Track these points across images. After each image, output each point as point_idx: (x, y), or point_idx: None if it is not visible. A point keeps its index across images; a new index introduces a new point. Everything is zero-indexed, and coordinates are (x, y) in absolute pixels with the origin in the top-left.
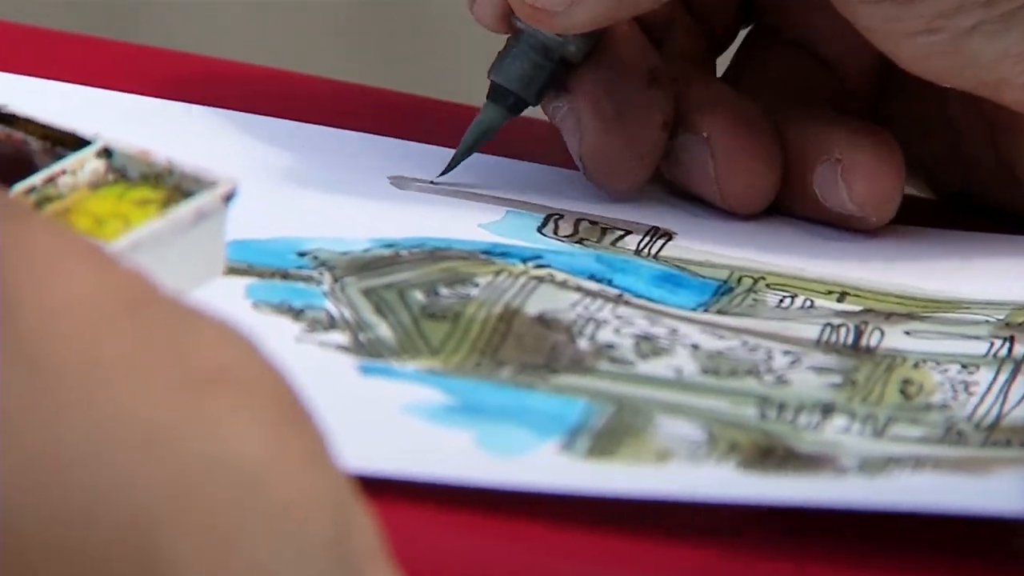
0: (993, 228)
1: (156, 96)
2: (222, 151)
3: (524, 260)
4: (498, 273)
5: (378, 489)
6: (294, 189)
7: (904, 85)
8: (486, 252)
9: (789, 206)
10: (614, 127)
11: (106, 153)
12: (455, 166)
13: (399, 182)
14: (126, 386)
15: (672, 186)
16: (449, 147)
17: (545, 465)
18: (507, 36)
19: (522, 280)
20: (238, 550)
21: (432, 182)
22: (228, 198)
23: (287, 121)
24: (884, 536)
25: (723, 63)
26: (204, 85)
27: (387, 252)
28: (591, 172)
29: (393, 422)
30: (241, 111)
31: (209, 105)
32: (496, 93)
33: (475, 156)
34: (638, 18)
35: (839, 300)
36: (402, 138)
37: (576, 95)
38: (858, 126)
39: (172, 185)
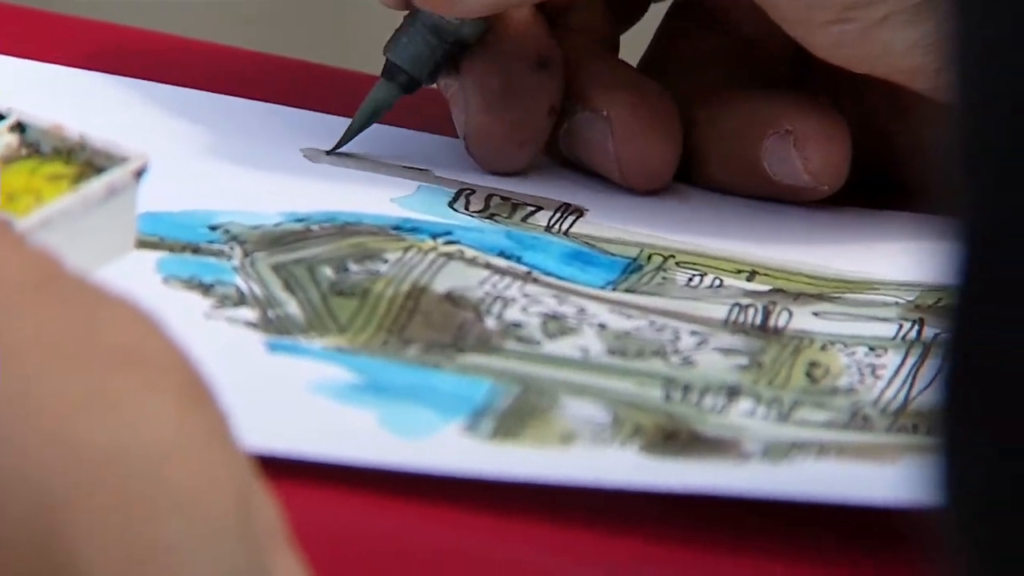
0: (905, 207)
1: (67, 65)
2: (134, 121)
3: (434, 236)
4: (407, 249)
5: (280, 468)
6: (207, 161)
7: (819, 64)
8: (396, 227)
9: (733, 182)
10: (497, 108)
11: (19, 127)
12: (347, 141)
13: (312, 154)
14: (33, 364)
15: (573, 164)
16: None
17: (448, 447)
18: (404, 13)
19: (431, 256)
20: (142, 532)
21: (327, 153)
22: (139, 174)
23: (199, 91)
24: (788, 522)
25: (645, 42)
26: (115, 54)
27: (298, 226)
28: (473, 151)
29: (299, 401)
30: (153, 81)
31: (120, 75)
32: (390, 71)
33: (389, 128)
34: None
35: (749, 279)
36: (314, 109)
37: (464, 75)
38: (804, 97)
39: (84, 160)
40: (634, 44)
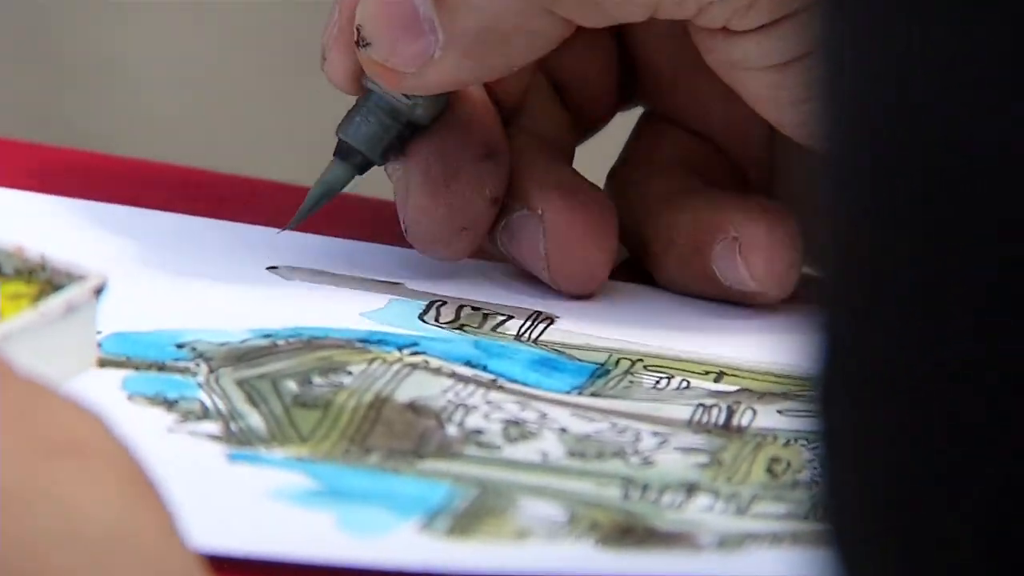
0: None
1: (27, 190)
2: (97, 245)
3: (400, 348)
4: (372, 361)
5: (240, 568)
6: (175, 280)
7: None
8: (363, 340)
9: (689, 285)
10: (440, 194)
11: None
12: (299, 221)
13: (284, 272)
14: None
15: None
16: (333, 236)
17: (404, 544)
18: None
19: (396, 367)
20: None
21: (278, 232)
22: (98, 291)
23: (162, 213)
24: None
25: (619, 143)
26: (73, 178)
27: (264, 342)
28: (413, 236)
29: (257, 505)
30: (115, 203)
31: (81, 198)
32: (343, 151)
33: (362, 244)
34: (493, 93)
35: (716, 380)
36: (275, 226)
37: (410, 158)
38: (753, 203)
39: (44, 279)
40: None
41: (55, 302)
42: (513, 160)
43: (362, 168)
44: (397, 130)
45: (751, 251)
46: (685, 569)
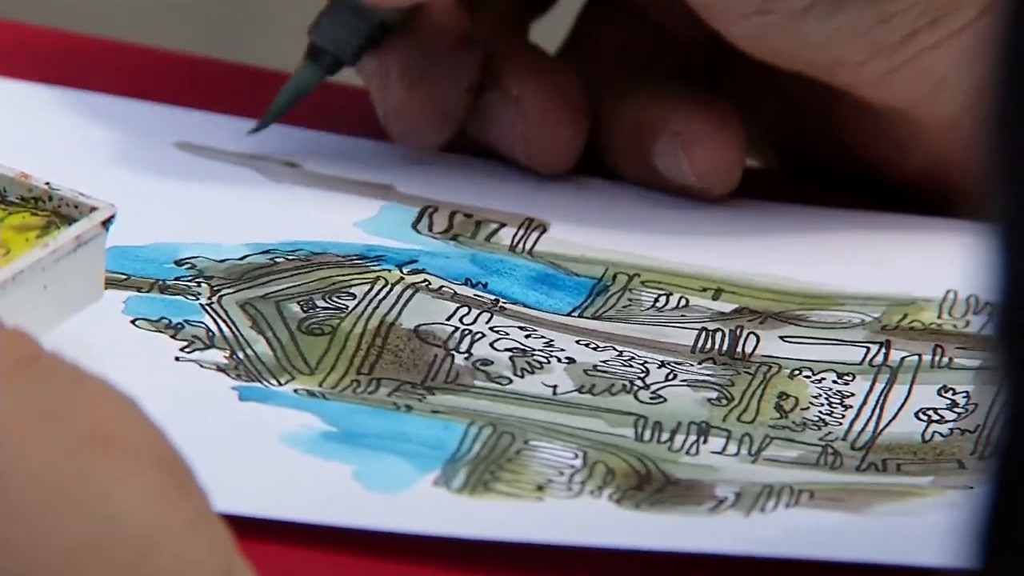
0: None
1: (19, 77)
2: (88, 140)
3: (400, 265)
4: (374, 282)
5: (254, 527)
6: (169, 186)
7: (741, 57)
8: (362, 256)
9: (632, 177)
10: (419, 86)
11: None
12: (268, 124)
13: (270, 170)
14: (11, 449)
15: (478, 149)
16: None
17: (423, 502)
18: None
19: (398, 289)
20: None
21: (248, 133)
22: (107, 224)
23: (156, 105)
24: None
25: (563, 31)
26: (72, 63)
27: (264, 259)
28: (394, 129)
29: (271, 455)
30: (102, 91)
31: (80, 87)
32: (313, 52)
33: (350, 139)
34: None
35: (714, 297)
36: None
37: (385, 54)
38: (696, 98)
39: (51, 209)
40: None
41: (64, 237)
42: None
43: (332, 69)
44: (367, 30)
45: (691, 146)
46: (708, 537)
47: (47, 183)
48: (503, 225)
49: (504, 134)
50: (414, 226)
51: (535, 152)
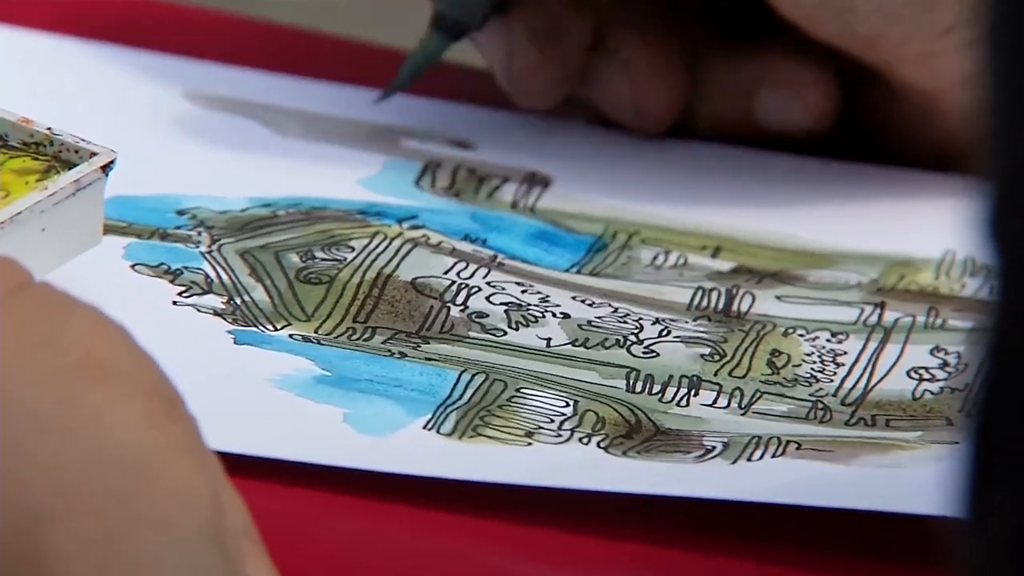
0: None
1: (43, 29)
2: (96, 91)
3: (399, 220)
4: (373, 236)
5: (244, 465)
6: (174, 138)
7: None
8: (362, 212)
9: (729, 130)
10: (549, 48)
11: None
12: (393, 93)
13: (275, 118)
14: (4, 377)
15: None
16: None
17: (413, 444)
18: None
19: (396, 243)
20: (122, 545)
21: (374, 102)
22: (106, 169)
23: (166, 56)
24: (750, 521)
25: None
26: (92, 17)
27: (265, 212)
28: (519, 92)
29: (264, 397)
30: (111, 41)
31: (93, 38)
32: (440, 20)
33: (352, 88)
34: None
35: (713, 255)
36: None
37: (512, 19)
38: (780, 46)
39: (52, 154)
40: None
41: (63, 181)
42: None
43: (459, 35)
44: None
45: (808, 90)
46: (696, 482)
47: (48, 128)
48: (506, 180)
49: (610, 94)
50: (417, 183)
51: (644, 114)
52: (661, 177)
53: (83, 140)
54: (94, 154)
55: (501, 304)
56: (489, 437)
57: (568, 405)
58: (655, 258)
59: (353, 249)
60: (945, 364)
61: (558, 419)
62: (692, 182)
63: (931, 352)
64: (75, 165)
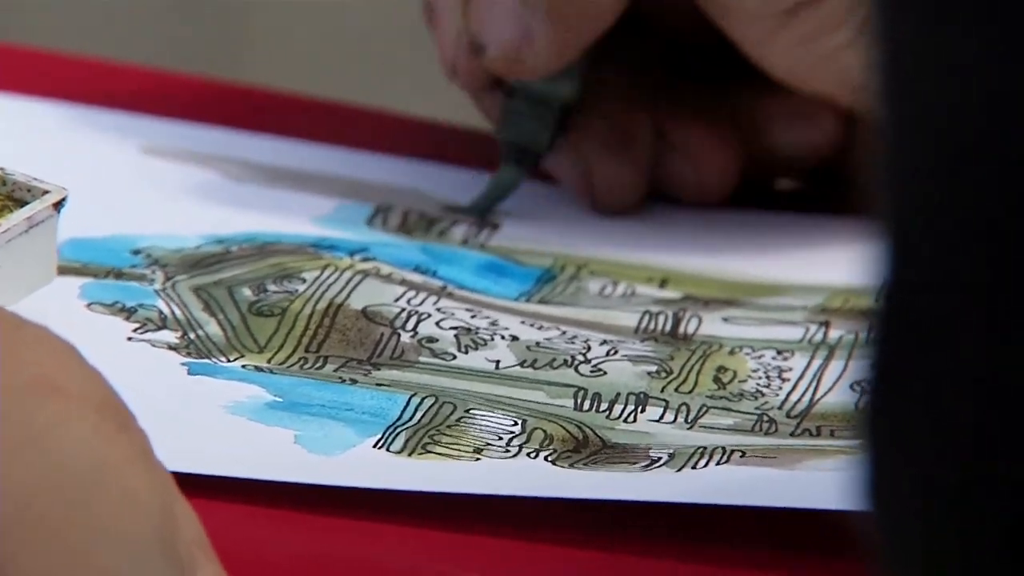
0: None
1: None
2: (55, 147)
3: (351, 253)
4: (325, 268)
5: (198, 485)
6: (131, 185)
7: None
8: (314, 245)
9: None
10: (622, 155)
11: None
12: (475, 216)
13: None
14: None
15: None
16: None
17: (362, 462)
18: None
19: (348, 274)
20: (74, 560)
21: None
22: (59, 206)
23: (127, 115)
24: (695, 526)
25: None
26: (39, 79)
27: (218, 248)
28: (602, 202)
29: (218, 422)
30: (72, 103)
31: (41, 98)
32: (508, 150)
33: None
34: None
35: (660, 286)
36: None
37: (577, 135)
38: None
39: (5, 194)
40: None
41: (16, 218)
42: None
43: (531, 164)
44: (553, 116)
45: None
46: (641, 489)
47: (1, 168)
48: (455, 222)
49: (676, 178)
50: (368, 222)
51: (707, 191)
52: (606, 225)
53: (35, 179)
54: (46, 192)
55: (451, 328)
56: (438, 454)
57: (516, 424)
58: (603, 288)
59: (305, 281)
60: None
61: (507, 436)
62: (639, 231)
63: None
64: (28, 203)
